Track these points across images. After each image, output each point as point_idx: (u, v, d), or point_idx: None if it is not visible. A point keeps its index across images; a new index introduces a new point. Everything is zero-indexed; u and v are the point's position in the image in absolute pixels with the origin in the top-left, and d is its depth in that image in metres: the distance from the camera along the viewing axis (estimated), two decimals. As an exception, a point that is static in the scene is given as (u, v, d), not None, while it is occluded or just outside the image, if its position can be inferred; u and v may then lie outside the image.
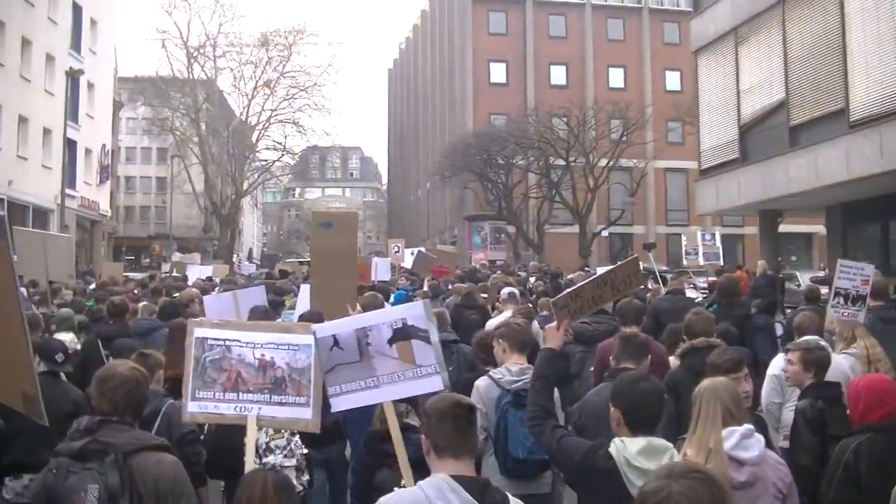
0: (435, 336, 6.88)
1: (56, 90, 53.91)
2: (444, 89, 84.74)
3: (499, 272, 31.49)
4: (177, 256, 66.50)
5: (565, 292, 8.03)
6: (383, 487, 6.93)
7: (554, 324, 7.20)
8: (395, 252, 36.79)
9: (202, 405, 6.92)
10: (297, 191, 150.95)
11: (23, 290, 18.26)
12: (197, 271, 33.83)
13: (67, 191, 54.68)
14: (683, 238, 38.59)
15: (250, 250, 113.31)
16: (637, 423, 5.69)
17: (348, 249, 13.18)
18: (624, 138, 59.91)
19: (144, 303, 18.02)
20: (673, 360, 9.79)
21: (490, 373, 8.82)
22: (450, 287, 22.56)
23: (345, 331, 7.04)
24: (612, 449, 5.61)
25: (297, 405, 6.88)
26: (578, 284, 8.00)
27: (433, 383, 6.78)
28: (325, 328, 7.26)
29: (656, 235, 68.22)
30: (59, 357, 9.56)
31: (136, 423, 5.97)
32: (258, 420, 6.88)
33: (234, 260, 69.15)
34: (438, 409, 5.06)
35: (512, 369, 8.60)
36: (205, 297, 16.45)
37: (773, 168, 31.41)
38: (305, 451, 8.32)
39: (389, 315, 7.12)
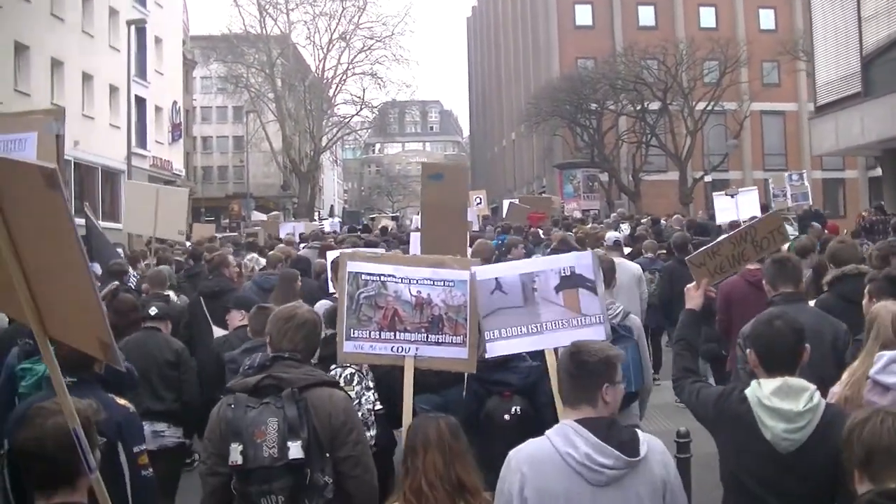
0: (601, 287, 7.12)
1: (121, 45, 51.53)
2: (526, 35, 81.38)
3: (596, 224, 31.22)
4: (255, 215, 65.94)
5: (701, 250, 7.76)
6: (493, 414, 7.53)
7: (693, 284, 7.13)
8: (478, 204, 35.62)
9: (358, 345, 7.13)
10: (377, 146, 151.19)
11: (119, 250, 19.49)
12: (289, 228, 33.54)
13: (138, 150, 52.89)
14: (770, 181, 36.86)
15: (331, 207, 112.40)
16: (772, 364, 5.57)
17: (459, 200, 13.20)
18: (723, 79, 56.52)
19: (252, 255, 18.61)
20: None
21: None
22: (550, 235, 22.35)
23: (509, 275, 7.20)
24: (748, 391, 5.54)
25: (454, 345, 7.13)
26: (716, 241, 7.96)
27: (597, 332, 6.86)
28: (487, 271, 7.45)
29: (754, 181, 64.93)
30: (153, 311, 9.99)
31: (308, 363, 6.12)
32: (416, 361, 7.08)
33: (315, 217, 67.77)
34: (560, 359, 5.14)
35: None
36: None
37: (903, 101, 28.26)
38: (378, 406, 8.11)
39: (557, 262, 7.34)
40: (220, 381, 8.69)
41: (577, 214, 44.15)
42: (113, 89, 52.34)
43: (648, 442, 4.82)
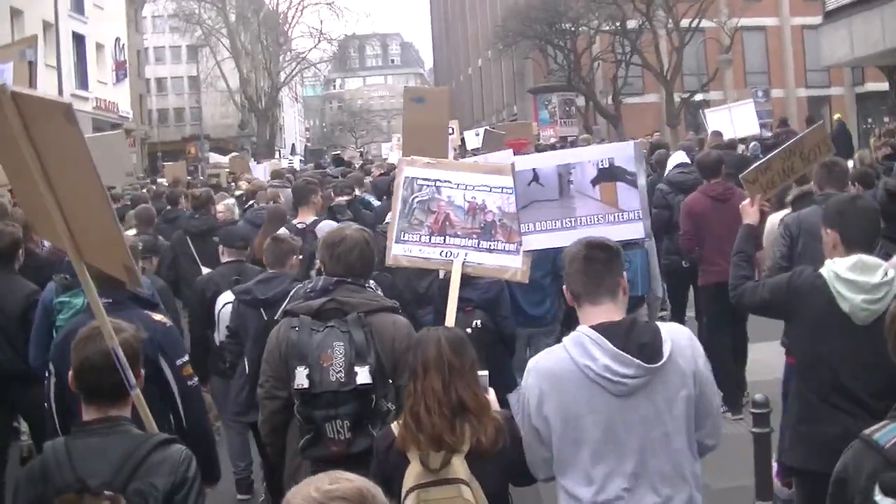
0: (642, 180, 6.89)
1: (53, -24, 47.48)
2: (490, -47, 78.25)
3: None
4: (213, 157, 63.73)
5: (754, 166, 7.93)
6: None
7: (748, 200, 7.30)
8: (450, 134, 32.43)
9: (407, 248, 7.22)
10: (338, 82, 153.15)
11: None
12: (260, 170, 31.93)
13: (79, 92, 49.30)
14: (736, 95, 34.89)
15: (293, 145, 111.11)
16: (854, 242, 5.83)
17: (440, 124, 13.32)
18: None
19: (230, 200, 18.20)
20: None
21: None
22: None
23: (546, 166, 7.05)
24: (822, 269, 5.83)
25: (507, 252, 7.05)
26: (767, 157, 8.25)
27: (634, 230, 6.85)
28: (526, 161, 7.48)
29: (735, 100, 62.13)
30: (139, 246, 9.34)
31: (366, 284, 6.28)
32: (464, 266, 7.05)
33: (276, 156, 66.21)
34: (570, 252, 4.88)
35: None
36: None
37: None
38: None
39: (596, 153, 7.12)
40: (207, 320, 9.28)
41: (554, 141, 41.53)
42: (47, 25, 47.95)
43: (672, 336, 4.59)
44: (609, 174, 6.78)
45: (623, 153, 6.88)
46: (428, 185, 7.19)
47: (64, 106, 4.33)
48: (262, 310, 8.08)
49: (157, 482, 4.32)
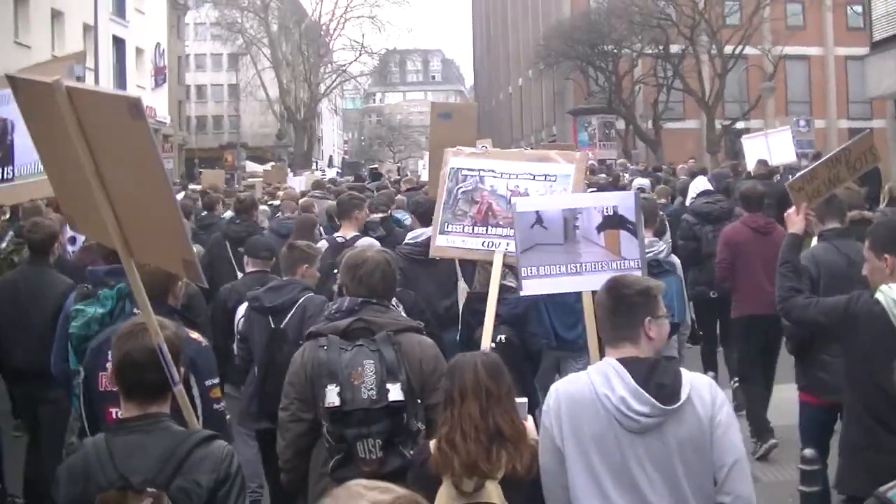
0: (642, 230, 6.91)
1: (94, -21, 47.51)
2: (534, -28, 77.83)
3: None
4: (250, 166, 64.46)
5: (800, 174, 8.18)
6: (480, 341, 7.26)
7: (793, 209, 7.29)
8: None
9: (450, 239, 7.51)
10: (378, 96, 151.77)
11: None
12: (295, 182, 31.89)
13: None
14: (777, 124, 35.74)
15: (330, 157, 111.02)
16: None
17: (467, 140, 12.42)
18: (753, 17, 52.14)
19: (263, 207, 18.40)
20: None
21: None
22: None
23: (552, 209, 6.96)
24: (878, 295, 5.86)
25: None
26: (813, 165, 8.32)
27: None
28: (529, 202, 7.28)
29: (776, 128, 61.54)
30: None
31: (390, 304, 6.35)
32: (505, 257, 7.19)
33: (314, 167, 66.40)
34: (598, 296, 5.00)
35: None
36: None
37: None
38: None
39: (601, 200, 7.13)
40: (228, 331, 9.08)
41: (592, 163, 40.55)
42: (87, 28, 48.18)
43: (692, 382, 4.58)
44: (613, 222, 6.82)
45: (625, 202, 6.93)
46: (472, 175, 7.42)
47: (132, 100, 4.34)
48: (269, 317, 8.10)
49: (201, 479, 4.38)
